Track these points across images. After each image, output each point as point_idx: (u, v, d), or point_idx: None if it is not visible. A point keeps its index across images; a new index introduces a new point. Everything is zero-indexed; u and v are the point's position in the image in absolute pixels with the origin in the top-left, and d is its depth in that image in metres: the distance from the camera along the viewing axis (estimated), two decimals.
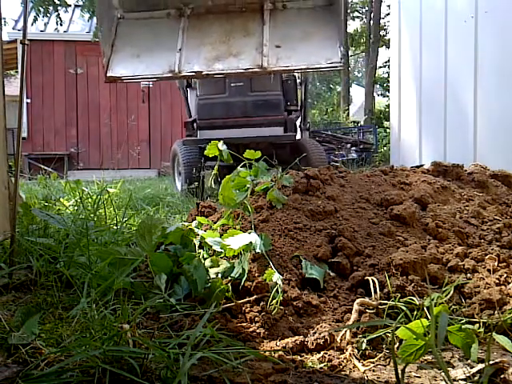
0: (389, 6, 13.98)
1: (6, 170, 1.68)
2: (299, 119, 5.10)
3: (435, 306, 0.97)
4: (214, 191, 4.34)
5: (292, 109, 5.01)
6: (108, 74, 2.42)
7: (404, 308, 1.12)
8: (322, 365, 1.00)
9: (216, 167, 1.90)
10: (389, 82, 9.09)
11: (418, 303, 1.13)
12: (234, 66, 2.53)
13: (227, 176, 1.61)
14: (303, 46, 2.46)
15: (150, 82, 10.97)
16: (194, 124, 4.92)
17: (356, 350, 1.05)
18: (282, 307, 1.19)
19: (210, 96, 4.73)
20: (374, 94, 20.76)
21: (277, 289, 1.20)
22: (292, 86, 4.93)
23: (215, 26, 2.73)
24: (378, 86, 22.22)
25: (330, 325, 1.15)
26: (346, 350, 1.05)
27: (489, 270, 1.38)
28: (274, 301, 1.18)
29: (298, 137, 5.18)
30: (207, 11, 2.70)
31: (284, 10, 2.60)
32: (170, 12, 2.73)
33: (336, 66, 2.17)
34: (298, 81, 5.17)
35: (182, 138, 5.63)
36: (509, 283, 1.32)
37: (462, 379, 0.92)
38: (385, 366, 1.01)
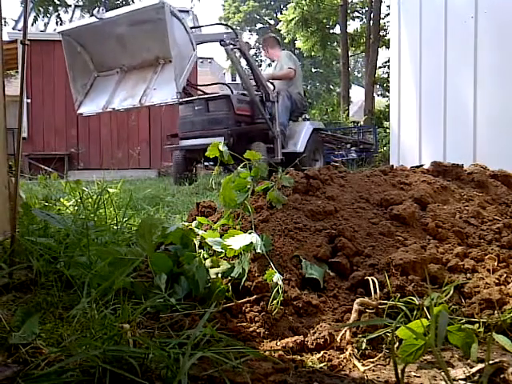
0: (388, 6, 13.97)
1: (7, 170, 1.68)
2: (266, 128, 6.51)
3: (435, 306, 0.97)
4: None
5: (258, 121, 6.50)
6: (77, 112, 4.73)
7: (404, 308, 1.12)
8: (321, 364, 1.00)
9: (216, 168, 1.92)
10: (389, 82, 9.09)
11: (417, 303, 1.13)
12: (130, 104, 4.29)
13: (228, 176, 1.62)
14: (167, 88, 3.96)
15: None
16: (171, 136, 7.23)
17: (356, 350, 1.05)
18: (282, 307, 1.19)
19: (185, 116, 6.55)
20: (374, 94, 20.75)
21: (277, 289, 1.20)
22: (257, 103, 6.37)
23: (134, 77, 4.41)
24: (377, 86, 22.22)
25: (329, 324, 1.15)
26: (346, 349, 1.05)
27: (488, 270, 1.38)
28: (275, 301, 1.18)
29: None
30: (134, 68, 4.42)
31: (170, 63, 4.00)
32: (117, 70, 4.69)
33: (174, 100, 4.05)
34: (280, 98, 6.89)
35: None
36: (508, 283, 1.32)
37: (461, 379, 0.92)
38: (385, 365, 1.01)
